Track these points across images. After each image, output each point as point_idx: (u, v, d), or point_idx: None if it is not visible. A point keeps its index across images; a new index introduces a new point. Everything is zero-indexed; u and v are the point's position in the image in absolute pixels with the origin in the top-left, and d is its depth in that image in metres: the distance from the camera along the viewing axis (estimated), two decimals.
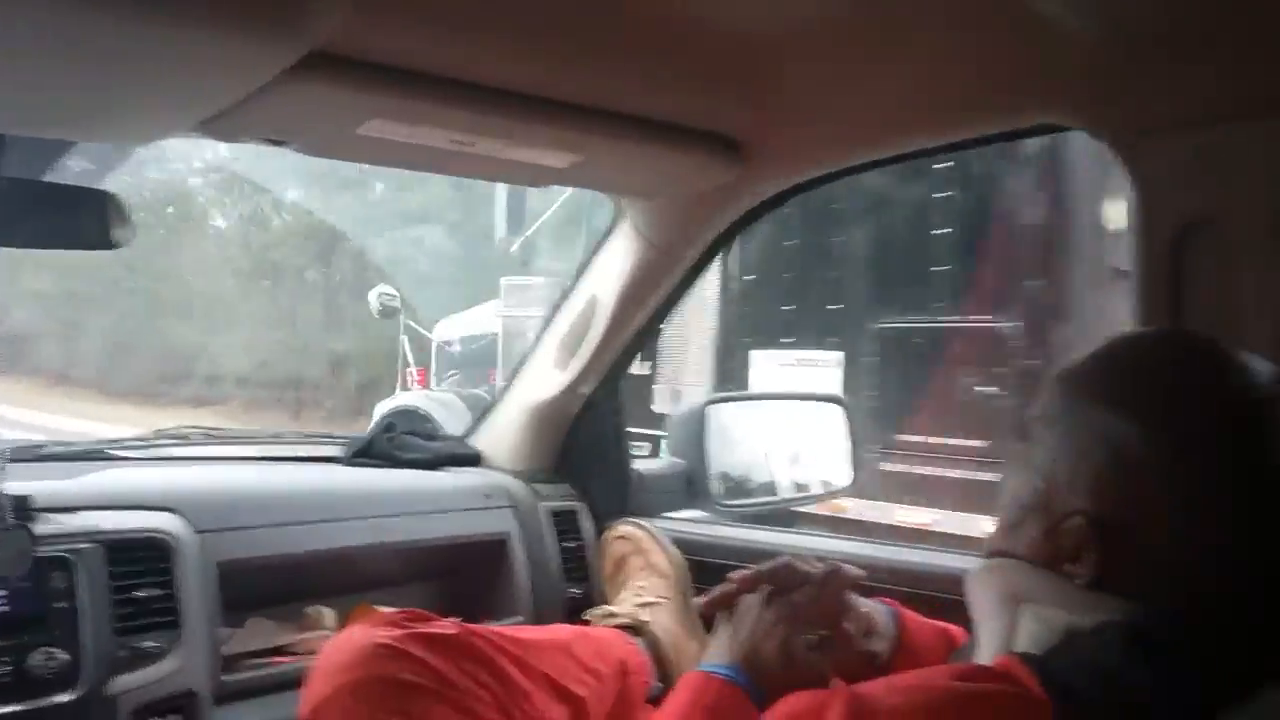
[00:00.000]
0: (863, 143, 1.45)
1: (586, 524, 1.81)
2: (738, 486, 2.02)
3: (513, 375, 1.94)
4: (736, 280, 5.67)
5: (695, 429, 1.94)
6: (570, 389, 1.82)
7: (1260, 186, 1.06)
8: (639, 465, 1.92)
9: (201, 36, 0.90)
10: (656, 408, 5.80)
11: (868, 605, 1.14)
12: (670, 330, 5.96)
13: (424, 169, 1.59)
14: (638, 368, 6.13)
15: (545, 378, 1.85)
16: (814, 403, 2.33)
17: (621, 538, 1.72)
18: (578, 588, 1.73)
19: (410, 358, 7.44)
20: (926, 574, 1.43)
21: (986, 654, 0.83)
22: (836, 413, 2.19)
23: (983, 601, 0.89)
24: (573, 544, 1.77)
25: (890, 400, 4.77)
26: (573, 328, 1.82)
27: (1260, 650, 0.73)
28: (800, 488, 2.19)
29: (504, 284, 6.93)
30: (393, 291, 7.14)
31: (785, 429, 2.21)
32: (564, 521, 1.78)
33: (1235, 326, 1.05)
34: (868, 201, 4.88)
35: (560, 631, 1.40)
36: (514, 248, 7.07)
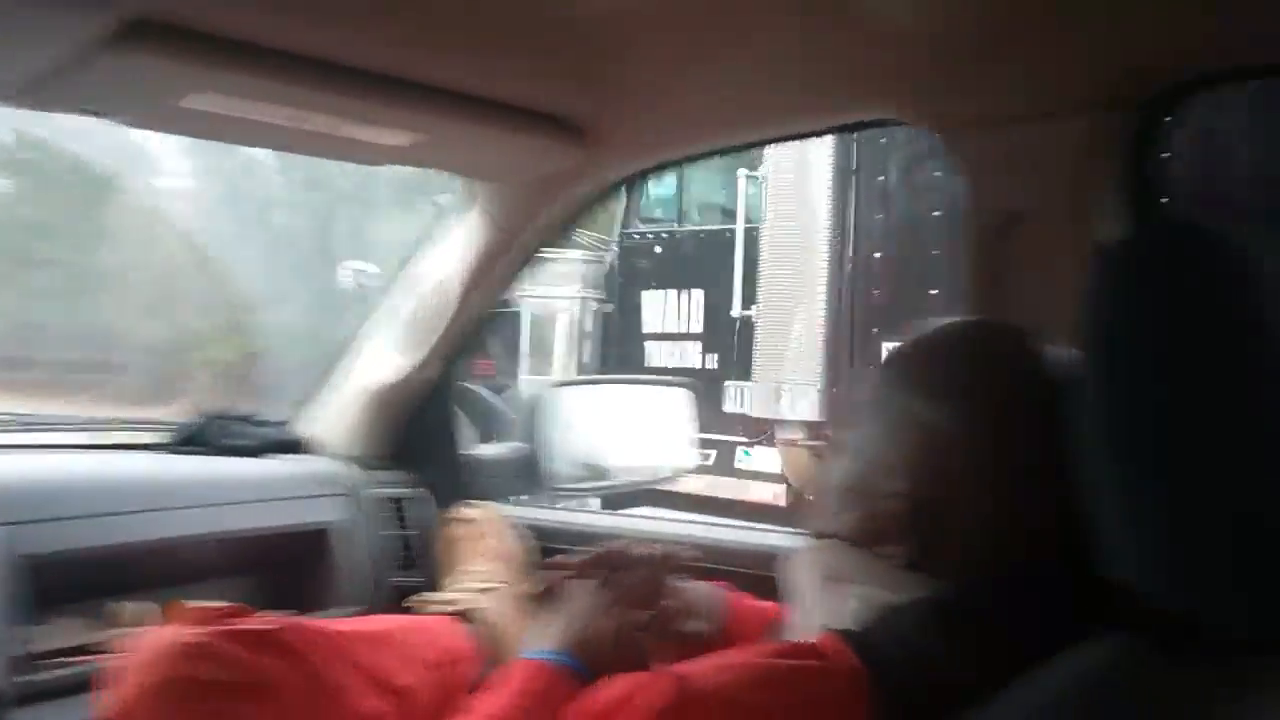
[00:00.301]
0: (703, 131, 1.47)
1: (423, 510, 1.77)
2: (579, 470, 2.02)
3: (350, 358, 1.88)
4: (860, 259, 4.84)
5: (538, 413, 1.93)
6: (408, 373, 1.79)
7: (1069, 182, 1.13)
8: (479, 450, 1.90)
9: (4, 3, 0.83)
10: (734, 407, 4.97)
11: (692, 587, 1.16)
12: (766, 318, 5.23)
13: (257, 145, 1.52)
14: (699, 361, 5.52)
15: (382, 361, 1.80)
16: (661, 388, 2.35)
17: (462, 522, 1.70)
18: (413, 576, 1.69)
19: None
20: (759, 554, 1.46)
21: (808, 632, 0.86)
22: (683, 397, 2.22)
23: (805, 582, 0.92)
24: (409, 531, 1.73)
25: None
26: (413, 310, 1.78)
27: (1064, 618, 0.78)
28: (642, 470, 2.21)
29: None
30: (372, 270, 6.54)
31: (631, 413, 2.22)
32: (399, 508, 1.74)
33: (1050, 315, 1.11)
34: None
35: (386, 622, 1.36)
36: None
